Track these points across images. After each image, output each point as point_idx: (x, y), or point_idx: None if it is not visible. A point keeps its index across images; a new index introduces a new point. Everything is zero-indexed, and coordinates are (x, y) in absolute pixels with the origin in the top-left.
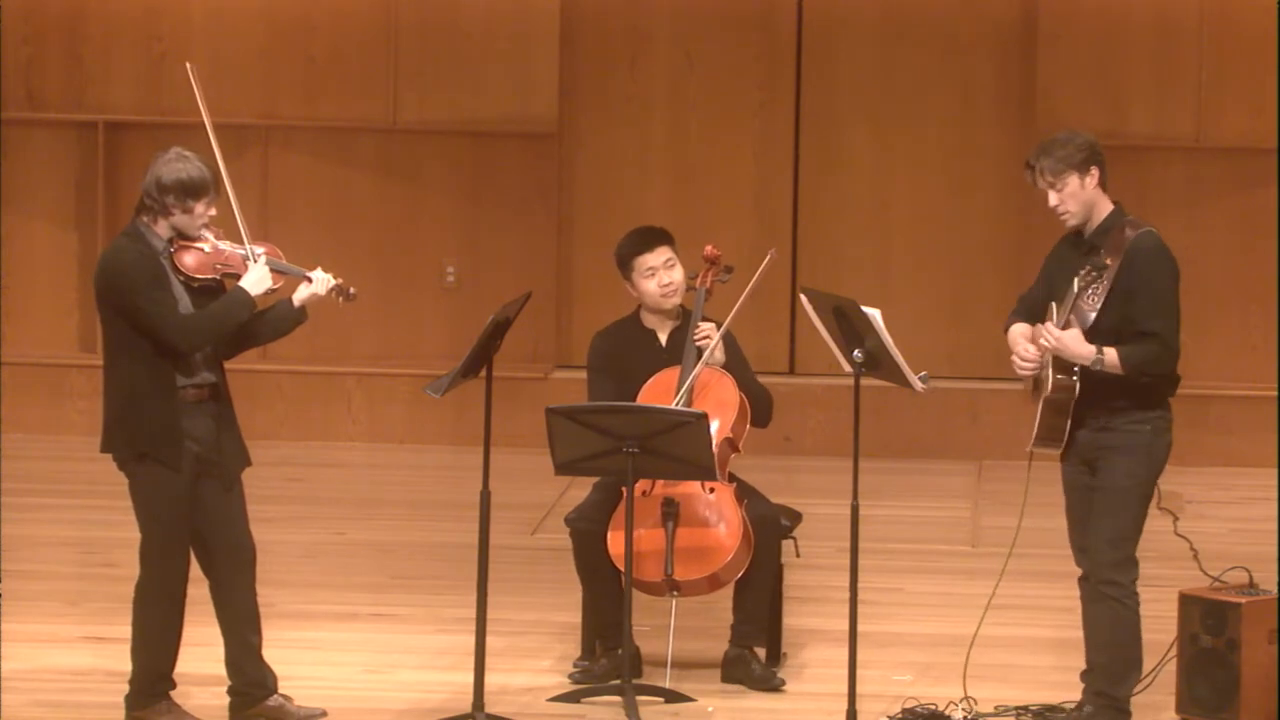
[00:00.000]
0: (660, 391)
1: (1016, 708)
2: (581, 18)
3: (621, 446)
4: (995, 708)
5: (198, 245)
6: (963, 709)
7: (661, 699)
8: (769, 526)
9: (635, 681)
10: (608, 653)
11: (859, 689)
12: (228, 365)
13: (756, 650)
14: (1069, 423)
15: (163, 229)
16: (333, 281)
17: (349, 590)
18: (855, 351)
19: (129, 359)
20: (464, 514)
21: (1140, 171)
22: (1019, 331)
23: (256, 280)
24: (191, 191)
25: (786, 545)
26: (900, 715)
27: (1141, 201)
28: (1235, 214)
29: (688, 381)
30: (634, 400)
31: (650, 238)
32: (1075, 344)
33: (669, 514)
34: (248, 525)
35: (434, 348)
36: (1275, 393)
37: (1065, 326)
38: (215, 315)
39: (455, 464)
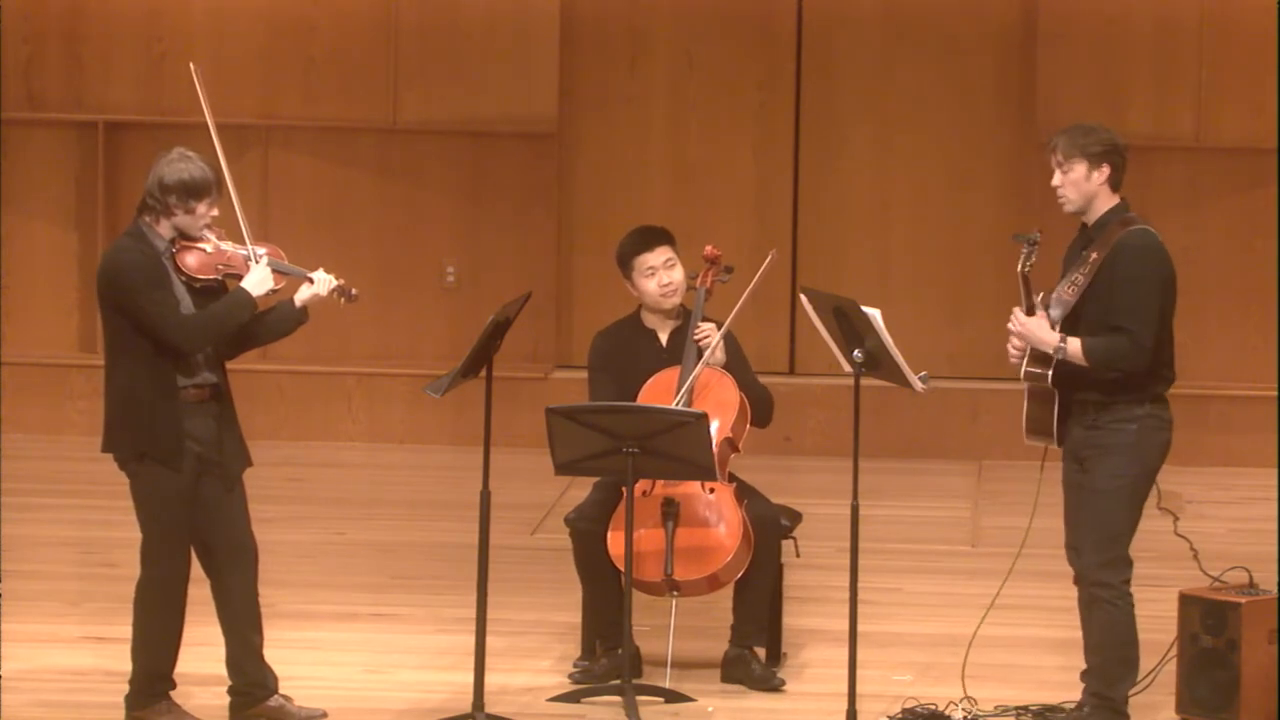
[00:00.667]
0: (660, 391)
1: (1016, 708)
2: (581, 18)
3: (621, 446)
4: (995, 708)
5: (200, 246)
6: (963, 709)
7: (661, 699)
8: (769, 526)
9: (635, 681)
10: (608, 653)
11: (859, 689)
12: (228, 365)
13: (756, 650)
14: (1055, 414)
15: (165, 229)
16: (334, 282)
17: (349, 590)
18: (855, 351)
19: (130, 359)
20: (464, 514)
21: (1140, 171)
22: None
23: (258, 281)
24: (194, 192)
25: (786, 545)
26: (900, 715)
27: (1141, 201)
28: (1235, 214)
29: (688, 382)
30: (634, 400)
31: (651, 237)
32: (1039, 330)
33: (669, 514)
34: (249, 525)
35: (434, 348)
36: (1275, 393)
37: (1030, 312)
38: (217, 316)
39: (455, 464)
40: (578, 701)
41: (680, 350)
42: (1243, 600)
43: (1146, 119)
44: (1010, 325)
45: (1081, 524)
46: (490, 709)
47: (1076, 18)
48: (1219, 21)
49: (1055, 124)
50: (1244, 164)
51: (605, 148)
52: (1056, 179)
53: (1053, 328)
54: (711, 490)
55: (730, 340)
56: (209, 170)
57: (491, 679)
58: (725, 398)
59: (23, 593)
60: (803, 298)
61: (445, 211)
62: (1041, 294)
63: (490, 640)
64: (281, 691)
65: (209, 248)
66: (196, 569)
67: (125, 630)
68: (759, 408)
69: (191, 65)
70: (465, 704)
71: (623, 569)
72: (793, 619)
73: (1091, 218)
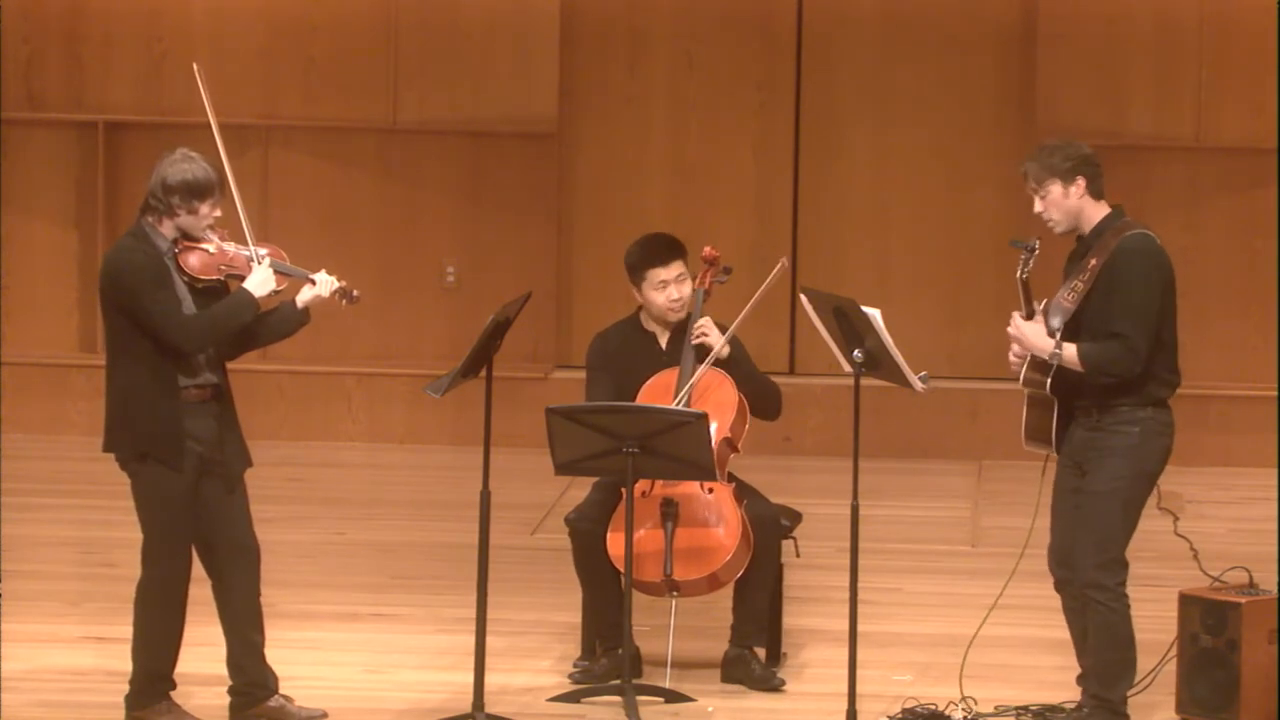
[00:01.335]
0: (659, 392)
1: (1016, 708)
2: (581, 18)
3: (621, 446)
4: (995, 708)
5: (202, 246)
6: (962, 709)
7: (661, 699)
8: (768, 526)
9: (635, 681)
10: (608, 653)
11: (859, 689)
12: (228, 366)
13: (756, 650)
14: (1055, 421)
15: (168, 229)
16: (336, 284)
17: (349, 590)
18: (855, 351)
19: (131, 359)
20: (464, 514)
21: (1140, 171)
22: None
23: (260, 282)
24: (197, 192)
25: (786, 545)
26: (900, 715)
27: (1141, 201)
28: (1235, 214)
29: (688, 382)
30: (633, 401)
31: (665, 251)
32: (1035, 336)
33: (668, 514)
34: (251, 525)
35: (434, 348)
36: (1275, 393)
37: (1029, 318)
38: (218, 316)
39: (455, 464)
40: (578, 701)
41: (678, 352)
42: (1243, 600)
43: (1146, 119)
44: (1008, 330)
45: (1078, 526)
46: (490, 709)
47: (1076, 18)
48: (1219, 21)
49: (1055, 124)
50: (1244, 164)
51: (605, 148)
52: (1037, 206)
53: (1053, 335)
54: (710, 490)
55: (733, 341)
56: (211, 171)
57: (491, 679)
58: (724, 398)
59: (23, 593)
60: (803, 298)
61: (445, 211)
62: (1044, 300)
63: (490, 640)
64: (282, 692)
65: (211, 248)
66: (198, 568)
67: (125, 630)
68: (767, 400)
69: (195, 65)
70: (465, 704)
71: (622, 569)
72: (793, 619)
73: (1086, 228)
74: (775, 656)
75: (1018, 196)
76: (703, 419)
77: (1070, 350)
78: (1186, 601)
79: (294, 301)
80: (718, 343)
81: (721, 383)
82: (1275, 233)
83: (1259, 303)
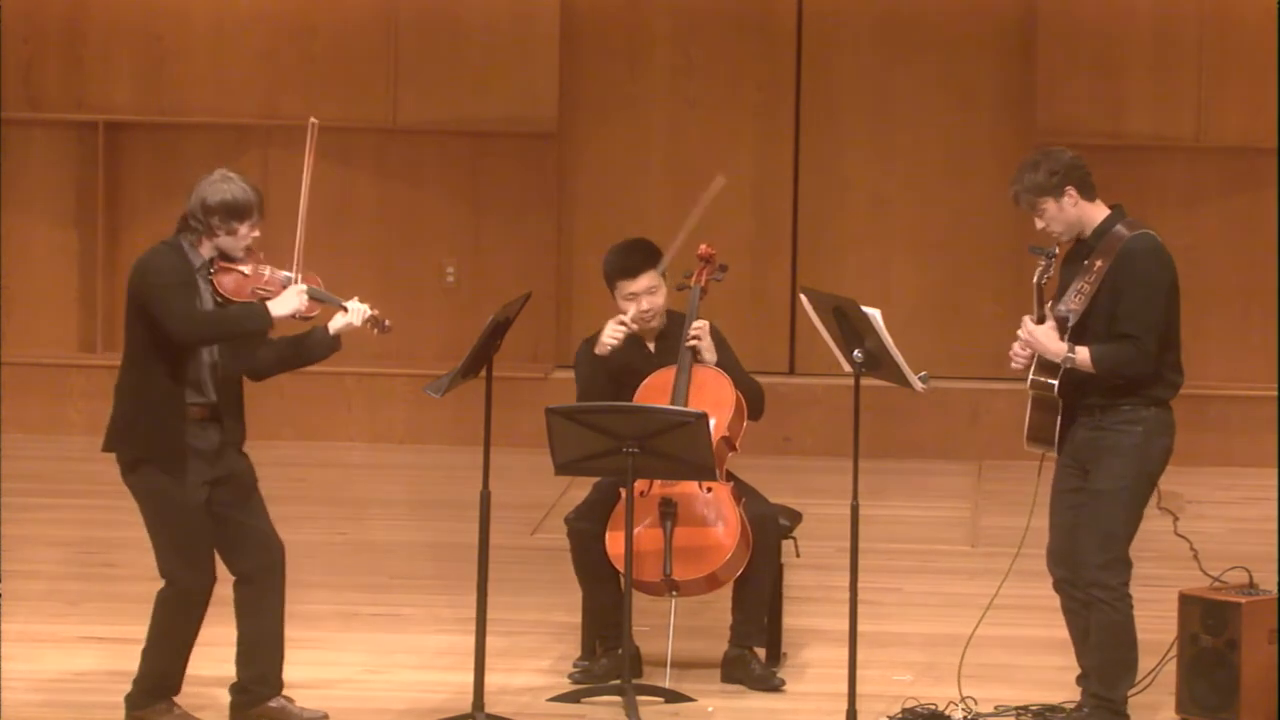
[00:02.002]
0: (655, 392)
1: (1016, 708)
2: (581, 18)
3: (621, 446)
4: (995, 708)
5: (238, 268)
6: (962, 709)
7: (661, 699)
8: (767, 525)
9: (635, 681)
10: (608, 653)
11: (859, 689)
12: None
13: (756, 650)
14: (1058, 421)
15: (206, 249)
16: (368, 312)
17: (349, 590)
18: (855, 351)
19: (144, 369)
20: (464, 514)
21: (1140, 171)
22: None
23: (282, 301)
24: (236, 213)
25: (786, 545)
26: (900, 715)
27: (1141, 201)
28: (1235, 214)
29: (684, 382)
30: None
31: (635, 262)
32: (1047, 340)
33: (667, 514)
34: (272, 525)
35: (434, 348)
36: (1275, 393)
37: (1040, 321)
38: (225, 318)
39: (455, 464)
40: (578, 701)
41: (667, 353)
42: (1243, 600)
43: (1146, 119)
44: (1019, 333)
45: (1082, 525)
46: (490, 709)
47: (1076, 18)
48: (1219, 21)
49: (1055, 124)
50: (1244, 164)
51: (605, 148)
52: (1038, 223)
53: (1061, 338)
54: (709, 489)
55: (717, 336)
56: (251, 191)
57: (491, 679)
58: (721, 397)
59: (23, 593)
60: (803, 298)
61: (445, 211)
62: (1050, 302)
63: (490, 640)
64: (283, 693)
65: (247, 270)
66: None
67: (125, 630)
68: (750, 401)
69: (311, 120)
70: (465, 704)
71: (621, 569)
72: (793, 619)
73: (1089, 231)
74: (775, 656)
75: (1017, 207)
76: (703, 419)
77: (1083, 353)
78: (1186, 601)
79: (326, 327)
80: (709, 352)
81: (719, 381)
82: (1275, 233)
83: (1259, 303)
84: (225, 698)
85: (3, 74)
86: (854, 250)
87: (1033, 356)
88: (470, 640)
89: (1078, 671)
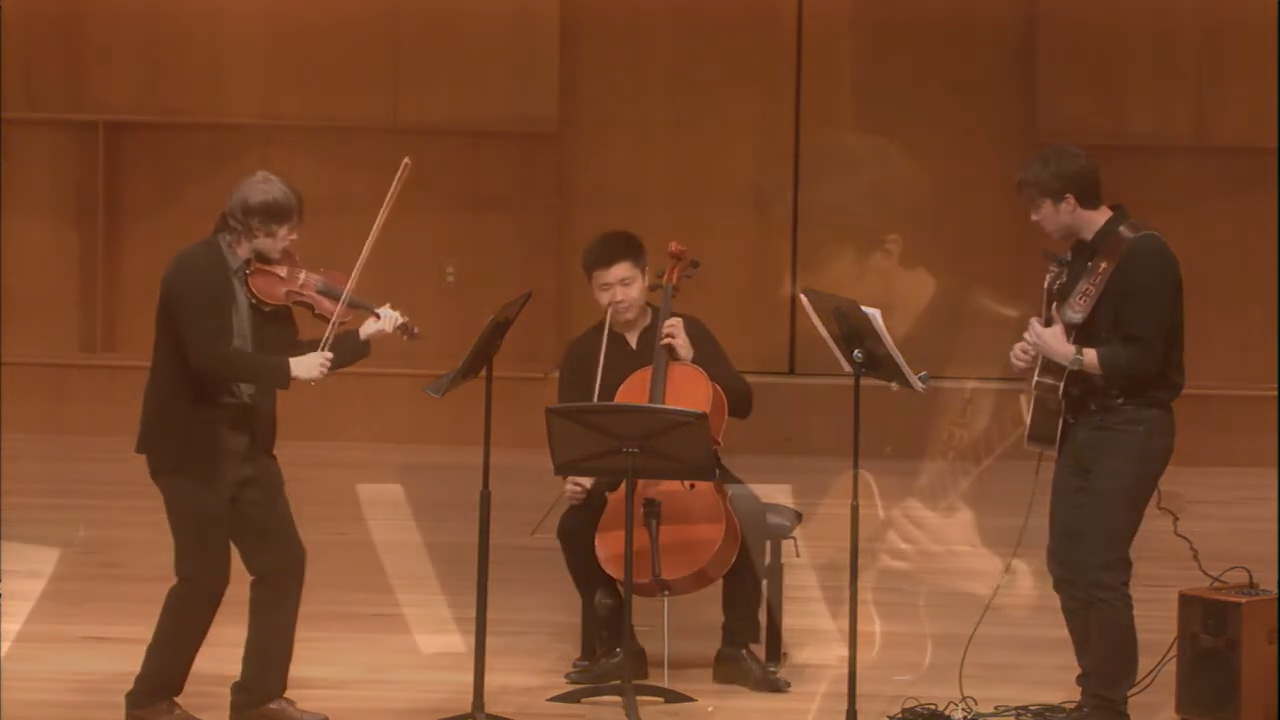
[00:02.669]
0: (633, 393)
1: (1016, 708)
2: (581, 18)
3: (621, 446)
4: (995, 708)
5: (275, 271)
6: (962, 709)
7: (661, 699)
8: (753, 514)
9: (635, 681)
10: (608, 653)
11: (859, 689)
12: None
13: (753, 648)
14: (1060, 422)
15: (244, 250)
16: (399, 319)
17: (349, 590)
18: (855, 351)
19: (174, 370)
20: (464, 514)
21: (1140, 171)
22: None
23: (307, 366)
24: (276, 215)
25: (786, 545)
26: (900, 715)
27: (1141, 201)
28: (1235, 214)
29: (660, 379)
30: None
31: (609, 252)
32: (1055, 342)
33: (651, 514)
34: (295, 529)
35: (434, 348)
36: (1275, 393)
37: (1048, 323)
38: (244, 364)
39: (455, 464)
40: (578, 701)
41: (649, 350)
42: (1243, 600)
43: (1146, 119)
44: (1026, 335)
45: (1083, 525)
46: (490, 709)
47: (1076, 18)
48: (1219, 21)
49: (1055, 124)
50: (1244, 164)
51: (605, 148)
52: (1033, 216)
53: (1067, 340)
54: (692, 485)
55: (704, 333)
56: (292, 194)
57: (491, 679)
58: (698, 393)
59: (23, 593)
60: (803, 298)
61: (445, 211)
62: (1055, 304)
63: (490, 640)
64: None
65: (283, 273)
66: (236, 573)
67: (125, 630)
68: (737, 400)
69: (405, 161)
70: (465, 704)
71: (609, 573)
72: (793, 619)
73: (1088, 234)
74: (775, 656)
75: (1018, 196)
76: (703, 419)
77: (1090, 356)
78: (1186, 601)
79: (357, 332)
80: (684, 349)
81: (694, 378)
82: (1275, 233)
83: (1259, 303)
84: (227, 697)
85: (3, 74)
86: (853, 250)
87: (1036, 357)
88: (470, 640)
89: (1078, 671)
